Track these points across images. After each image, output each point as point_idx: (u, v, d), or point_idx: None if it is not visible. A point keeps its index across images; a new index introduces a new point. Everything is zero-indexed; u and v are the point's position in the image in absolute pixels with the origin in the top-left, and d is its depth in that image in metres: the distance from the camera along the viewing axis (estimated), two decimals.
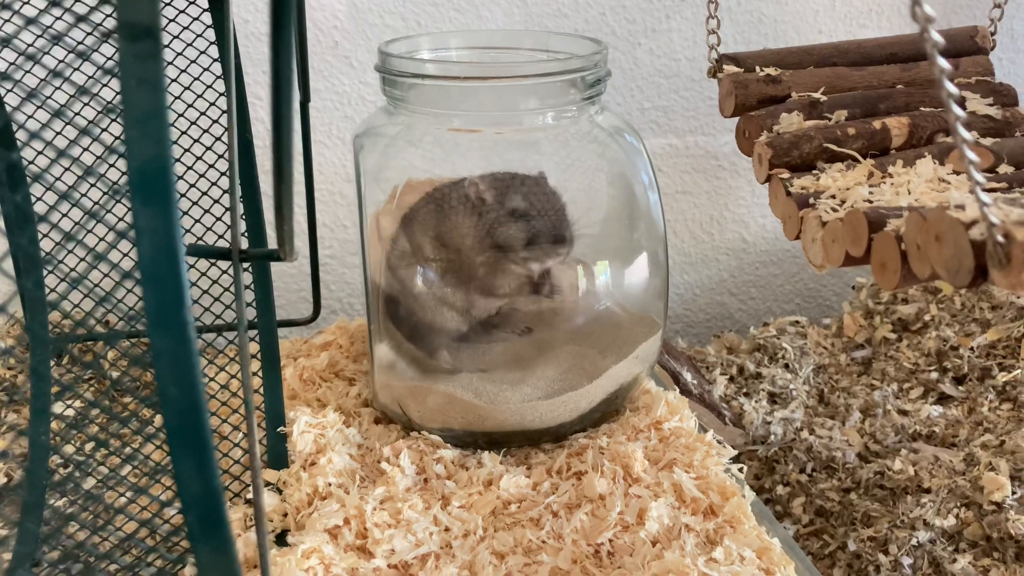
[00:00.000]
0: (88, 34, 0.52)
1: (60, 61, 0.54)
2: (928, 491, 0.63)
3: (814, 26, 0.89)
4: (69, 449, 0.56)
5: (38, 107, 0.52)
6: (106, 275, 0.51)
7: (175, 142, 0.58)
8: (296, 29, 0.57)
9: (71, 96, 0.47)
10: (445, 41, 0.62)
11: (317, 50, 0.81)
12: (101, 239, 0.64)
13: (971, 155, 0.29)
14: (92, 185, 0.42)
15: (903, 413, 0.72)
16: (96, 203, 0.57)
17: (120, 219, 0.43)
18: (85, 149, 0.60)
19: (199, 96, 0.58)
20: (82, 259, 0.59)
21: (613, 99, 0.87)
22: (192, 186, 0.59)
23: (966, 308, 0.79)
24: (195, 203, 0.60)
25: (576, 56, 0.55)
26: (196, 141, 0.59)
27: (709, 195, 0.93)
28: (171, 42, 0.56)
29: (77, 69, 0.50)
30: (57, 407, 0.54)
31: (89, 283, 0.60)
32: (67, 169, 0.58)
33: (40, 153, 0.55)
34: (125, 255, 0.59)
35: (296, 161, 0.76)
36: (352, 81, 0.82)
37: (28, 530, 0.44)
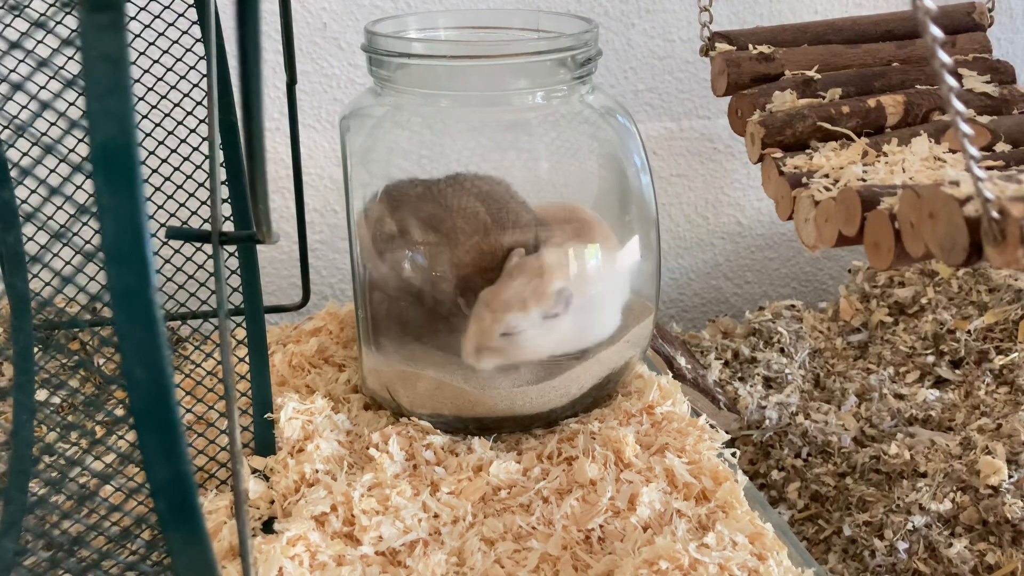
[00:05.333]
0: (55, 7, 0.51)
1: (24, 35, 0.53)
2: (924, 475, 0.62)
3: (810, 6, 0.88)
4: (52, 437, 0.56)
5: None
6: (99, 262, 0.51)
7: (158, 124, 0.58)
8: (282, 7, 0.56)
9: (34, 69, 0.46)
10: (433, 20, 0.61)
11: (305, 31, 0.79)
12: (86, 229, 0.63)
13: (965, 128, 0.28)
14: (75, 176, 0.41)
15: (899, 397, 0.72)
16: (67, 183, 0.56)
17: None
18: (67, 134, 0.59)
19: (182, 77, 0.57)
20: (68, 253, 0.58)
21: (607, 81, 0.86)
22: (176, 169, 0.58)
23: (963, 291, 0.79)
24: (179, 187, 0.59)
25: (566, 35, 0.54)
26: (180, 123, 0.58)
27: (704, 178, 0.92)
28: (153, 22, 0.55)
29: (61, 52, 0.48)
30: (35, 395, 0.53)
31: (75, 268, 0.59)
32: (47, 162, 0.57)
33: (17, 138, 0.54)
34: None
35: (283, 144, 0.76)
36: (341, 63, 0.81)
37: (10, 516, 0.43)
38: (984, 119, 0.53)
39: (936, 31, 0.26)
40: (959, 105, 0.28)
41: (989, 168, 0.43)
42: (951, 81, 0.27)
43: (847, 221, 0.43)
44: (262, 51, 0.26)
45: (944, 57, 0.27)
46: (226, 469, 0.54)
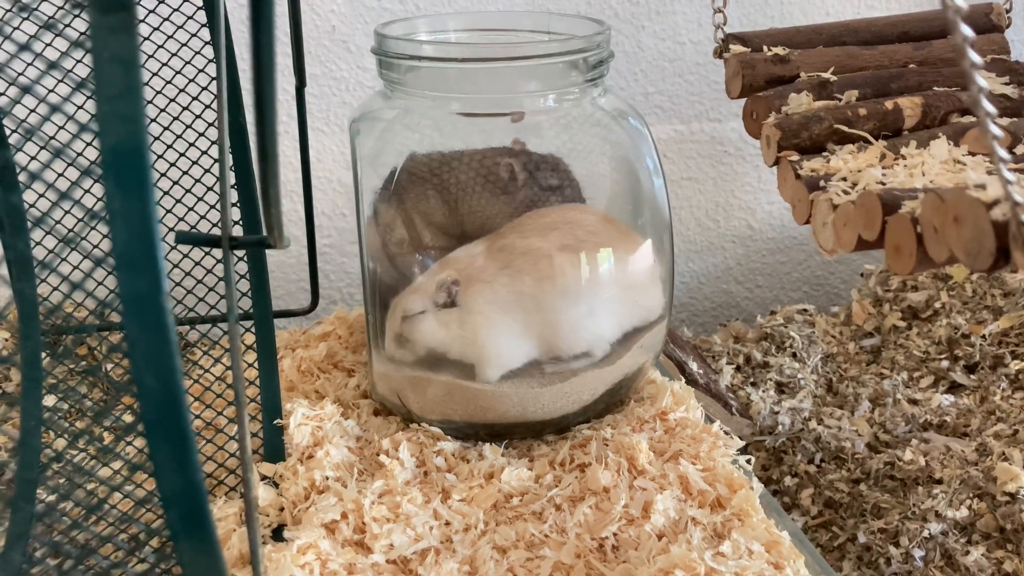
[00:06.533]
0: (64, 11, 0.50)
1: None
2: (940, 482, 0.61)
3: (821, 8, 0.88)
4: (61, 444, 0.55)
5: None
6: (108, 267, 0.50)
7: (167, 128, 0.57)
8: (291, 10, 0.55)
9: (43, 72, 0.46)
10: (443, 23, 0.61)
11: (314, 35, 0.79)
12: (94, 234, 0.63)
13: (995, 129, 0.28)
14: (82, 176, 0.41)
15: (913, 402, 0.71)
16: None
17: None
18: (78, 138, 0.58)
19: (191, 80, 0.57)
20: (76, 257, 0.57)
21: (616, 84, 0.86)
22: (185, 173, 0.58)
23: (977, 295, 0.78)
24: (188, 191, 0.58)
25: (577, 37, 0.54)
26: (188, 127, 0.57)
27: (715, 181, 0.91)
28: (161, 24, 0.55)
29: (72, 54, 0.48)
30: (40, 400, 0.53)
31: (83, 273, 0.58)
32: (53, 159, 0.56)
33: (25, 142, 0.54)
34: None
35: (292, 147, 0.75)
36: (350, 66, 0.81)
37: (17, 526, 0.43)
38: (1003, 121, 0.52)
39: (967, 31, 0.26)
40: (989, 106, 0.27)
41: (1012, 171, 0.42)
42: (981, 82, 0.27)
43: (867, 225, 0.42)
44: (276, 55, 0.25)
45: (975, 57, 0.26)
46: (235, 476, 0.53)
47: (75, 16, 0.51)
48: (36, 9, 0.49)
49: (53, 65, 0.27)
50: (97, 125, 0.23)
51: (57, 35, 0.44)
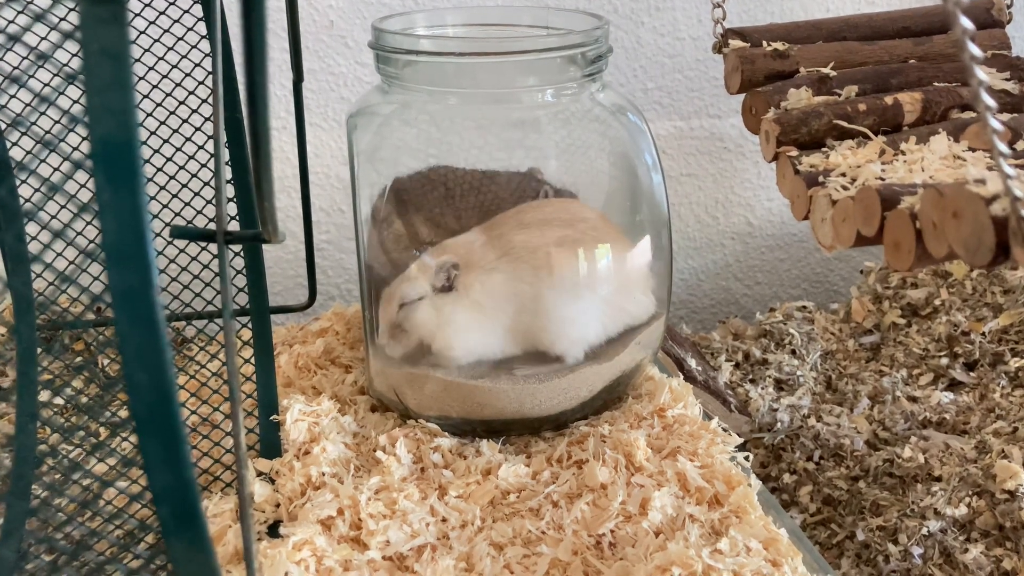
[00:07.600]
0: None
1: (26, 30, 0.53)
2: (939, 479, 0.61)
3: (821, 4, 0.87)
4: (55, 439, 0.55)
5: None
6: (102, 261, 0.50)
7: (163, 122, 0.57)
8: (289, 5, 0.55)
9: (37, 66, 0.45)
10: (441, 17, 0.61)
11: (311, 29, 0.79)
12: (91, 228, 0.63)
13: (995, 124, 0.27)
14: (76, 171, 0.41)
15: (913, 400, 0.71)
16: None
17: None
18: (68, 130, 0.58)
19: (187, 75, 0.56)
20: (72, 252, 0.57)
21: (616, 79, 0.85)
22: (182, 168, 0.58)
23: (977, 292, 0.78)
24: (184, 185, 0.58)
25: (576, 32, 0.54)
26: (185, 121, 0.57)
27: (714, 178, 0.91)
28: (157, 18, 0.55)
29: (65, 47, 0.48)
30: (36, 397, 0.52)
31: (77, 267, 0.58)
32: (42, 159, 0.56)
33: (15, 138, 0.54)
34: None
35: (289, 142, 0.75)
36: (348, 61, 0.81)
37: (11, 522, 0.43)
38: (1004, 117, 0.52)
39: (967, 23, 0.26)
40: (989, 100, 0.27)
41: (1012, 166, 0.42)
42: (981, 75, 0.26)
43: (866, 221, 0.42)
44: (268, 47, 0.25)
45: (975, 50, 0.26)
46: (231, 471, 0.53)
47: (71, 10, 0.51)
48: (31, 2, 0.49)
49: (44, 56, 0.26)
50: (88, 117, 0.23)
51: (52, 28, 0.44)
